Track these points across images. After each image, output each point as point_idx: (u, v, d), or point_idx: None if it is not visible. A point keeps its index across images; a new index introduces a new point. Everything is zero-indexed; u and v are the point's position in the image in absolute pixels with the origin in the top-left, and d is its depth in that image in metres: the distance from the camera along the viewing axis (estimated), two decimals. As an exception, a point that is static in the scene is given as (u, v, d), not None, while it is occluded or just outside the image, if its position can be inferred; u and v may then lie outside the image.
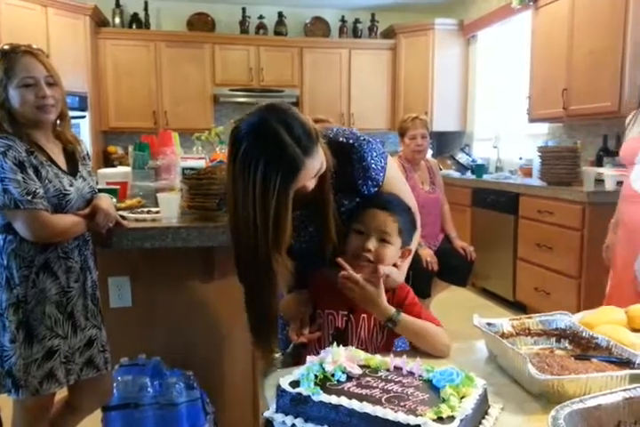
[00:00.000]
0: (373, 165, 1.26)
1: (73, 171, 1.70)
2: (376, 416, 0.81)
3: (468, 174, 5.07)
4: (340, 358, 0.96)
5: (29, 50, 1.59)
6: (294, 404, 0.89)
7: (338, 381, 0.92)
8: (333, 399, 0.85)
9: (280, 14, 5.97)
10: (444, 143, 6.16)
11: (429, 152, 4.10)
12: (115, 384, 1.87)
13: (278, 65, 5.83)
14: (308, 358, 0.97)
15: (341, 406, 0.84)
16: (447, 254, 3.09)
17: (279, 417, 0.90)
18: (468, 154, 5.54)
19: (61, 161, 1.68)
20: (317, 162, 1.11)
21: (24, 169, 1.53)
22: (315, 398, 0.87)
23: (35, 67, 1.57)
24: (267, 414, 0.92)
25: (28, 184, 1.53)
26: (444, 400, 0.84)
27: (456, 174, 5.14)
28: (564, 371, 0.98)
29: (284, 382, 0.91)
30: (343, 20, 6.16)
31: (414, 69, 5.91)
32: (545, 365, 1.01)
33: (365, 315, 1.29)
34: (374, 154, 1.26)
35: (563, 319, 1.23)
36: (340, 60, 5.96)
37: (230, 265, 2.16)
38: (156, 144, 2.35)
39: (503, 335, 1.18)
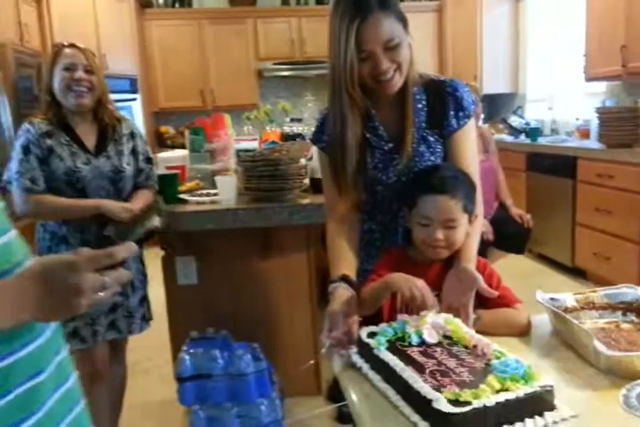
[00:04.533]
0: (465, 96, 1.33)
1: (99, 150, 1.86)
2: (406, 381, 0.87)
3: (522, 138, 4.92)
4: (425, 324, 1.01)
5: (74, 44, 1.85)
6: (364, 352, 1.02)
7: (409, 343, 0.99)
8: (388, 357, 0.94)
9: (321, -18, 5.85)
10: (496, 107, 5.97)
11: (481, 116, 4.00)
12: (187, 357, 1.97)
13: (321, 35, 5.74)
14: (399, 317, 1.06)
15: (389, 364, 0.93)
16: (503, 222, 3.05)
17: (356, 358, 1.03)
18: (521, 116, 5.36)
19: (91, 141, 1.87)
20: (391, 26, 1.20)
21: (28, 152, 1.77)
22: (376, 351, 0.97)
23: (75, 55, 1.82)
24: (350, 351, 1.05)
25: (24, 166, 1.76)
26: (478, 387, 0.82)
27: (509, 138, 5.00)
28: (632, 346, 0.98)
29: (363, 332, 1.05)
30: (386, -16, 5.99)
31: (461, 31, 5.72)
32: (611, 340, 1.01)
33: None
34: (465, 89, 1.35)
35: (629, 292, 1.21)
36: (384, 25, 5.84)
37: (287, 243, 2.25)
38: (210, 127, 2.40)
39: (567, 310, 1.16)
